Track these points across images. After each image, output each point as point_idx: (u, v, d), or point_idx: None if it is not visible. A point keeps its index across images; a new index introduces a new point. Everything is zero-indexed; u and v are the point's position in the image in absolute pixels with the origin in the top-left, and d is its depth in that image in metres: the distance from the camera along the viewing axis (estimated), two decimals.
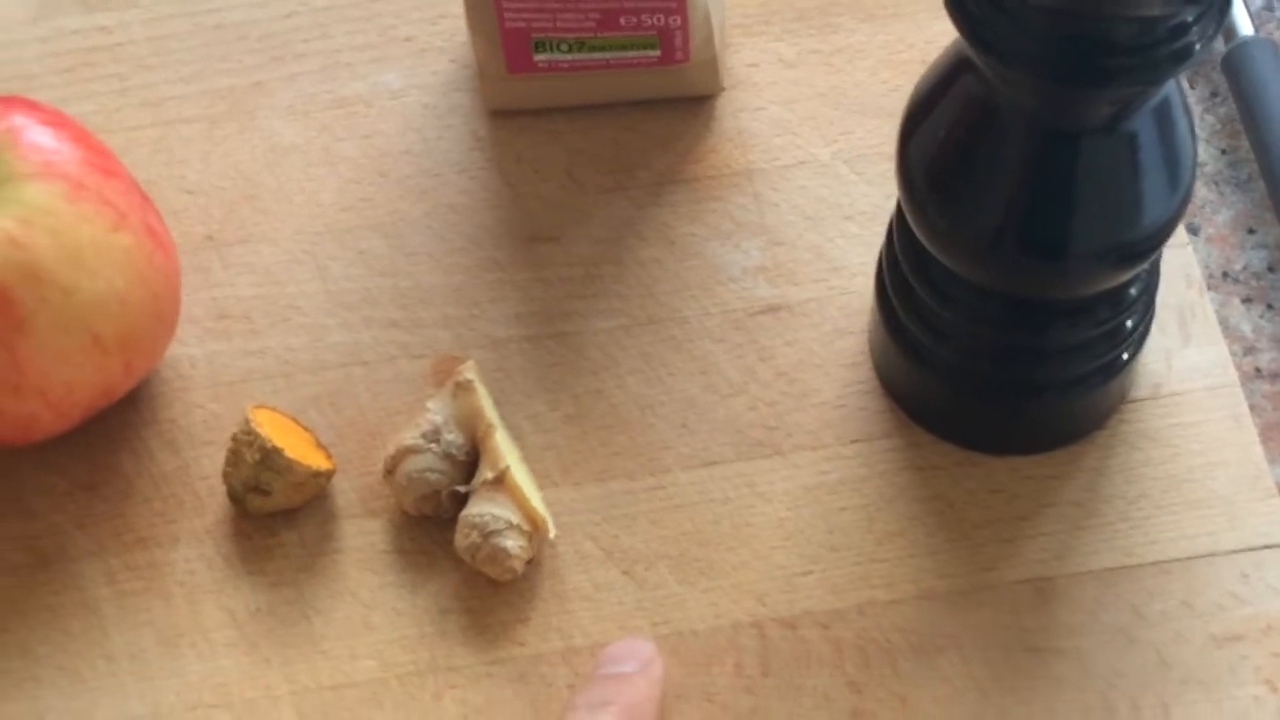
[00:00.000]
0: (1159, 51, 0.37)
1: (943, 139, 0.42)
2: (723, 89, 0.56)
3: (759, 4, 0.58)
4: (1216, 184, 0.57)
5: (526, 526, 0.47)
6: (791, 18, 0.58)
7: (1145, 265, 0.44)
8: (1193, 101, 0.58)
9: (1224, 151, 0.58)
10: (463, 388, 0.49)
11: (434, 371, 0.52)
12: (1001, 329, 0.46)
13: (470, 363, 0.50)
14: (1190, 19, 0.37)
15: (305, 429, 0.50)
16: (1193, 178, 0.43)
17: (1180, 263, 0.53)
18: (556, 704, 0.47)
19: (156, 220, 0.49)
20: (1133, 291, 0.46)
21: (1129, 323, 0.47)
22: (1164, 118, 0.41)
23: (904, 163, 0.43)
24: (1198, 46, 0.37)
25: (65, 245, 0.45)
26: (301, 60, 0.57)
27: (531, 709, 0.47)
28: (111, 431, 0.51)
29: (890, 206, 0.53)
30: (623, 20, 0.52)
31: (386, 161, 0.56)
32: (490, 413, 0.49)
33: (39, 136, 0.46)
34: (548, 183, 0.55)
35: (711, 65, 0.54)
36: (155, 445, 0.51)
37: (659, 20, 0.52)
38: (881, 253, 0.49)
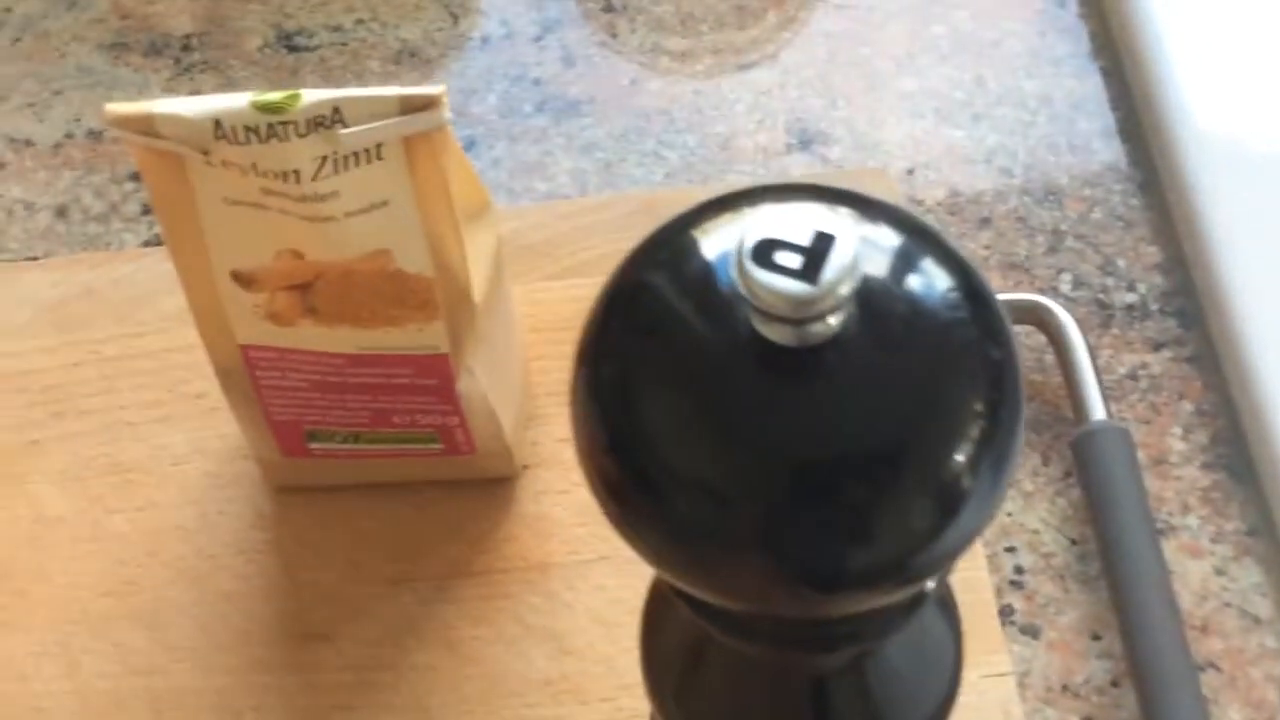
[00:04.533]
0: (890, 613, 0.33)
1: (672, 655, 0.38)
2: (520, 471, 0.52)
3: None
4: (1063, 579, 0.53)
5: None
6: None
7: None
8: (1044, 482, 0.54)
9: (1074, 541, 0.53)
10: None
11: None
12: None
13: None
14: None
15: None
16: (955, 682, 0.38)
17: (999, 696, 0.48)
18: None
19: None
20: None
21: None
22: (911, 642, 0.37)
23: (645, 664, 0.39)
24: (928, 586, 0.33)
25: None
26: (83, 418, 0.54)
27: None
28: None
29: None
30: (396, 419, 0.48)
31: (158, 539, 0.52)
32: None
33: None
34: (328, 570, 0.51)
35: (504, 455, 0.51)
36: None
37: (435, 420, 0.48)
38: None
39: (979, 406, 0.29)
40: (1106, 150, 0.61)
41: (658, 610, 0.39)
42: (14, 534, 0.52)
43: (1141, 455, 0.54)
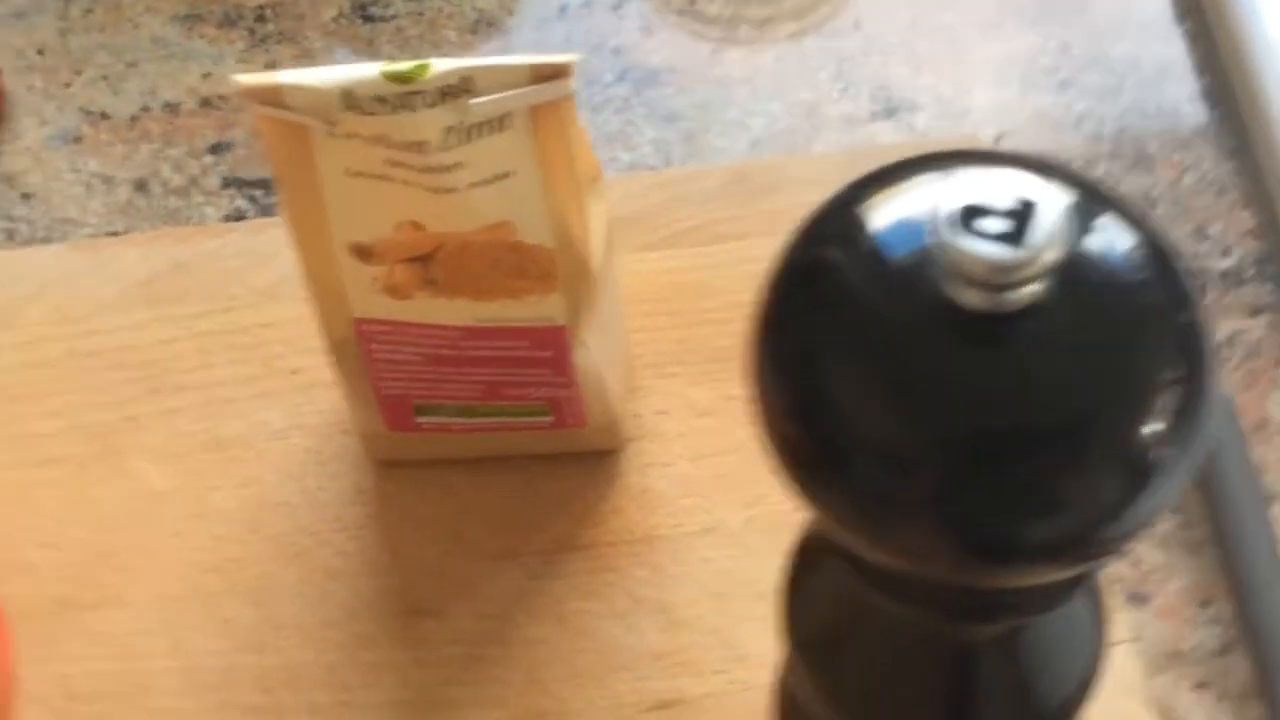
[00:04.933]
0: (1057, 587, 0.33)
1: (821, 615, 0.38)
2: (626, 443, 0.52)
3: (674, 342, 0.54)
4: (1167, 546, 0.52)
5: None
6: (708, 358, 0.53)
7: None
8: None
9: (1177, 509, 0.53)
10: None
11: None
12: None
13: None
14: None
15: None
16: (1096, 664, 0.38)
17: (1117, 664, 0.48)
18: None
19: None
20: None
21: None
22: (1063, 619, 0.36)
23: (787, 628, 0.39)
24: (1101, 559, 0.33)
25: None
26: (180, 394, 0.53)
27: None
28: None
29: None
30: (508, 392, 0.48)
31: (261, 515, 0.51)
32: None
33: None
34: (435, 545, 0.51)
35: (612, 427, 0.50)
36: None
37: (548, 392, 0.48)
38: (780, 680, 0.44)
39: (1173, 376, 0.29)
40: (1196, 115, 0.60)
41: (804, 575, 0.39)
42: (117, 511, 0.51)
43: (1241, 421, 0.54)
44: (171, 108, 0.62)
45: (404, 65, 0.40)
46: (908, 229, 0.29)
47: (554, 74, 0.40)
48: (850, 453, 0.29)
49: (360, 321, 0.46)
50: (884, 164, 0.32)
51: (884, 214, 0.30)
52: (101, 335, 0.55)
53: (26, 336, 0.55)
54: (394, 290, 0.44)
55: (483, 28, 0.64)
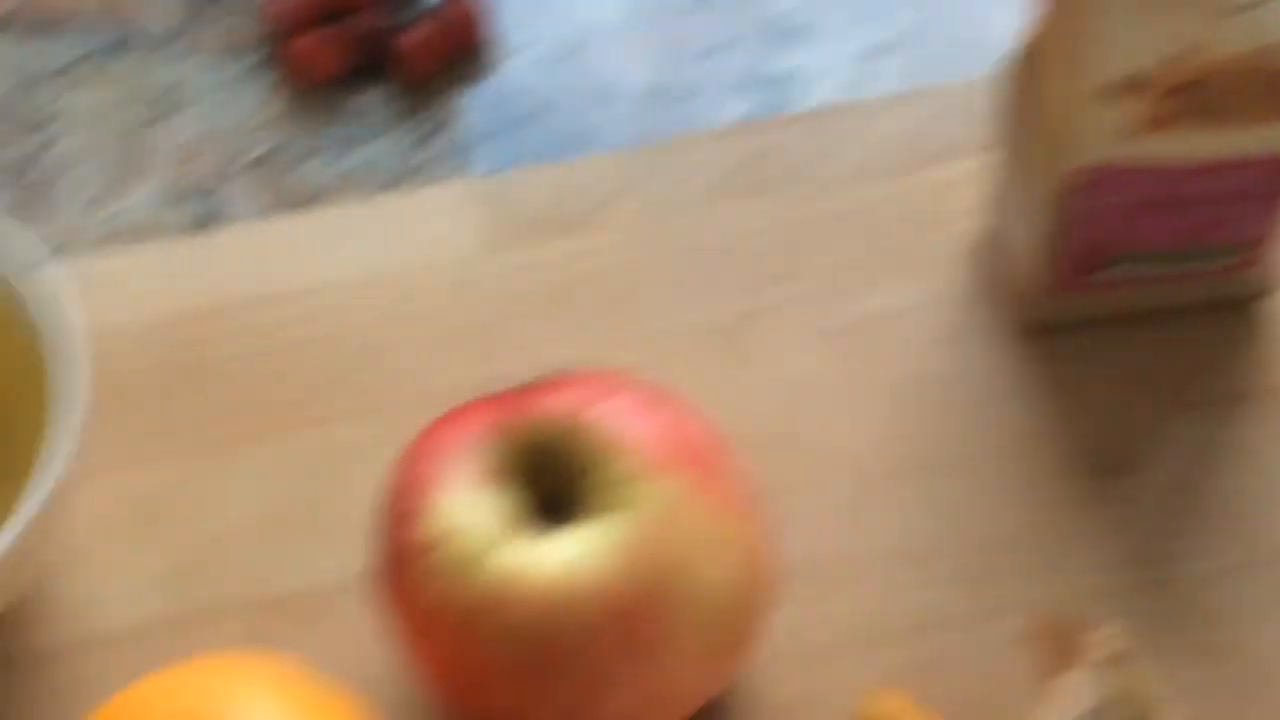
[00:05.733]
0: None
1: None
2: (1274, 287, 0.51)
3: None
4: None
5: None
6: None
7: None
8: None
9: None
10: (1118, 660, 0.43)
11: (1040, 635, 0.46)
12: None
13: (1113, 629, 0.44)
14: None
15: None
16: None
17: None
18: None
19: (748, 497, 0.43)
20: None
21: None
22: None
23: None
24: None
25: (697, 547, 0.40)
26: (796, 281, 0.52)
27: None
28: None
29: None
30: (1210, 234, 0.47)
31: (918, 390, 0.50)
32: (1156, 690, 0.43)
33: (645, 424, 0.41)
34: (1105, 403, 0.50)
35: (1271, 269, 0.50)
36: None
37: (1252, 231, 0.47)
38: None
39: None
40: None
41: None
42: (763, 402, 0.50)
43: None
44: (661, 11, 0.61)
45: None
46: None
47: None
48: None
49: (1086, 170, 0.45)
50: None
51: None
52: (700, 229, 0.53)
53: (621, 238, 0.53)
54: (1155, 122, 0.43)
55: None
